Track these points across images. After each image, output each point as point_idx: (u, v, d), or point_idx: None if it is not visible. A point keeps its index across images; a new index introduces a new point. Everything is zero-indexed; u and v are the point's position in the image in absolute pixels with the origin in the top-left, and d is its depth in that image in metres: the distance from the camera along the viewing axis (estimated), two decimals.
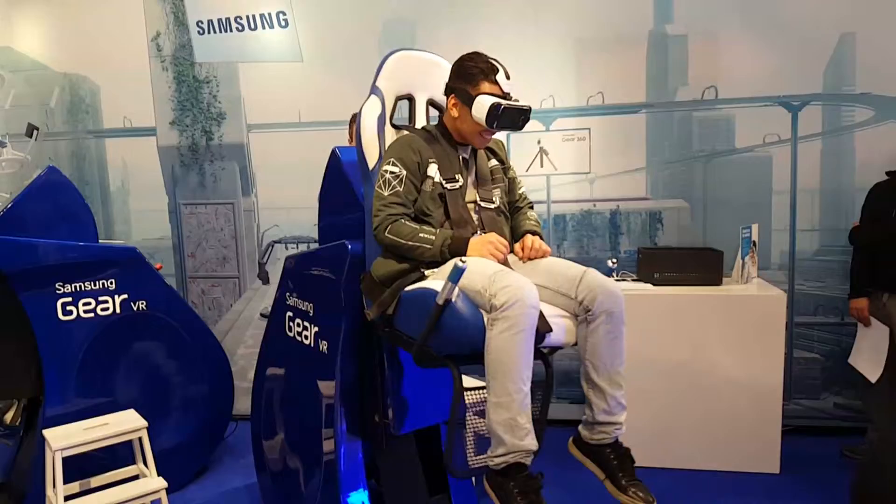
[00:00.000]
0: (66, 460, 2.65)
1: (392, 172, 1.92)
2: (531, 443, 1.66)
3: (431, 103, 2.23)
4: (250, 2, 4.11)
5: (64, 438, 2.70)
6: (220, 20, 4.13)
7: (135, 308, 3.19)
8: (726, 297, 3.37)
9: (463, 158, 2.05)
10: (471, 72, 1.94)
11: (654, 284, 3.49)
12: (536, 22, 3.84)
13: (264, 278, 4.38)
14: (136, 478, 2.95)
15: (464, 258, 1.66)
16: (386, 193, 1.91)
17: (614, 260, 1.91)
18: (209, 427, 3.51)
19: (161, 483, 2.79)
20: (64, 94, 4.44)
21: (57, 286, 2.99)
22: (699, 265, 3.48)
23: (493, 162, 2.12)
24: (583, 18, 3.83)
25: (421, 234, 1.85)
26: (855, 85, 3.64)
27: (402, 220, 1.88)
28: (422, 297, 1.79)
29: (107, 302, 3.11)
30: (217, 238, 4.39)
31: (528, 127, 4.03)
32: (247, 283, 4.41)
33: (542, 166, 3.94)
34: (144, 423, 2.86)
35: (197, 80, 4.23)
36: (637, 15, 3.79)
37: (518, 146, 3.92)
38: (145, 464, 2.89)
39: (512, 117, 1.92)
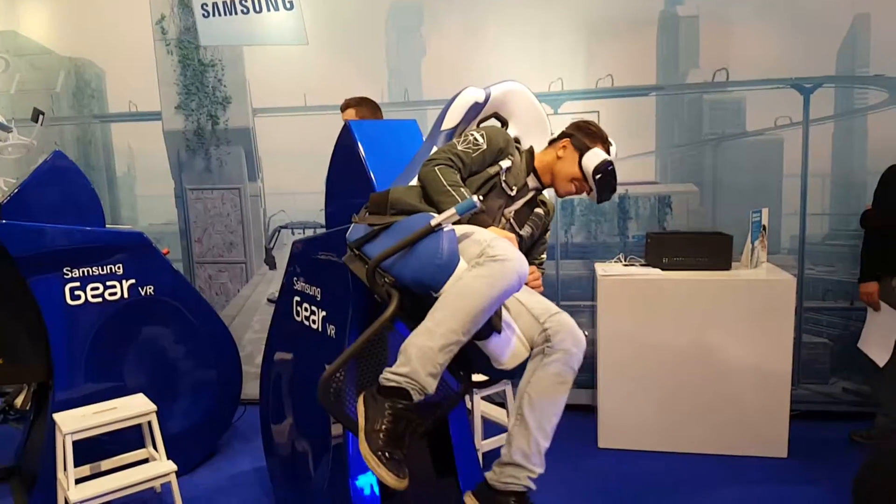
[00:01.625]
0: (76, 444, 2.68)
1: (476, 140, 1.99)
2: (431, 384, 1.60)
3: (516, 140, 2.25)
4: None
5: (74, 422, 2.73)
6: (224, 3, 4.09)
7: (142, 293, 3.19)
8: (735, 281, 3.35)
9: (526, 184, 2.10)
10: (593, 131, 2.11)
11: (663, 269, 3.47)
12: (545, 4, 3.79)
13: (271, 263, 4.37)
14: (145, 461, 2.98)
15: (481, 198, 1.65)
16: (459, 148, 1.97)
17: (588, 333, 1.94)
18: (218, 411, 3.52)
19: (170, 466, 2.82)
20: (69, 78, 4.42)
21: (65, 271, 3.00)
22: (708, 250, 3.46)
23: (540, 210, 2.17)
24: (593, 0, 3.77)
25: (461, 189, 1.85)
26: (869, 67, 3.58)
27: (455, 171, 1.92)
28: (413, 220, 1.75)
29: (114, 287, 3.12)
30: (223, 223, 4.38)
31: None
32: (254, 268, 4.41)
33: None
34: (153, 407, 2.88)
35: (202, 64, 4.20)
36: None
37: None
38: (154, 447, 2.92)
39: (610, 182, 2.04)
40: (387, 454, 1.53)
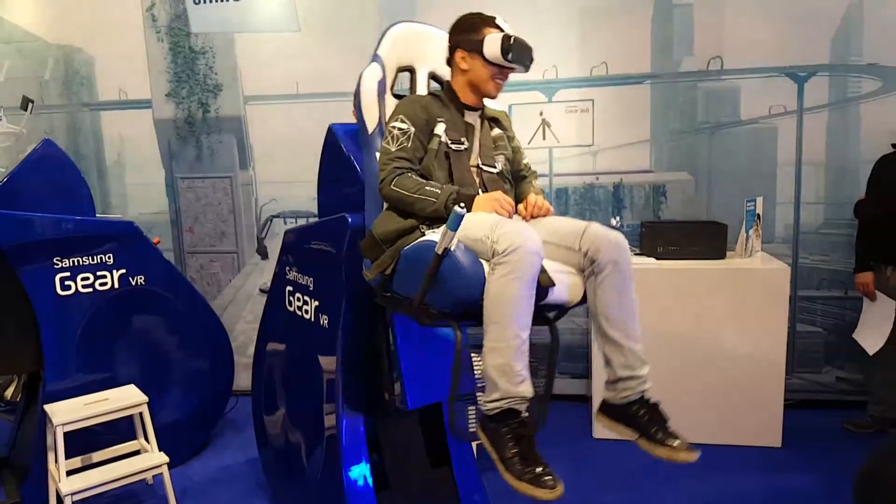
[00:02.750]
0: (67, 435, 2.66)
1: (400, 129, 1.92)
2: (526, 389, 1.64)
3: (433, 76, 2.21)
4: None
5: (65, 413, 2.71)
6: None
7: (133, 283, 3.16)
8: (730, 270, 3.34)
9: (468, 124, 2.03)
10: (473, 21, 2.00)
11: (658, 258, 3.46)
12: None
13: (263, 253, 4.35)
14: (137, 453, 2.97)
15: (462, 204, 1.63)
16: (393, 149, 1.90)
17: (617, 218, 1.96)
18: (210, 402, 3.51)
19: (162, 458, 2.80)
20: (58, 65, 4.36)
21: (55, 261, 2.97)
22: (703, 238, 3.45)
23: (497, 131, 2.12)
24: None
25: (427, 188, 1.83)
26: (862, 55, 3.57)
27: (408, 174, 1.87)
28: (421, 250, 1.76)
29: (105, 277, 3.09)
30: (215, 212, 4.34)
31: (529, 98, 3.98)
32: (245, 258, 4.38)
33: (544, 139, 3.88)
34: (145, 398, 2.86)
35: (193, 51, 4.15)
36: None
37: (520, 118, 3.86)
38: (146, 439, 2.90)
39: (522, 51, 1.94)
40: (530, 474, 1.58)
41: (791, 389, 3.61)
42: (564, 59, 3.81)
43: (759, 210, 3.46)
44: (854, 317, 3.52)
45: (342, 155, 2.47)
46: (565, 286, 1.77)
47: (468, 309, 1.70)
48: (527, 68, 1.99)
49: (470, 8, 2.07)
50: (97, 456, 2.97)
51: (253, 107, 4.19)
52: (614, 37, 3.76)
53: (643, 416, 1.80)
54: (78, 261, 3.01)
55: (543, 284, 1.68)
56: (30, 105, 3.52)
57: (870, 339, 3.32)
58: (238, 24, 4.08)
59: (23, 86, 4.24)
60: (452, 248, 1.63)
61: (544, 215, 1.97)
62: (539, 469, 1.58)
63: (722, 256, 3.43)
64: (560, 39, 3.80)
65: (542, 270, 1.67)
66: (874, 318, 3.33)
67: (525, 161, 2.19)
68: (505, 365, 1.61)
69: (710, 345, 3.35)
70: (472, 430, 1.83)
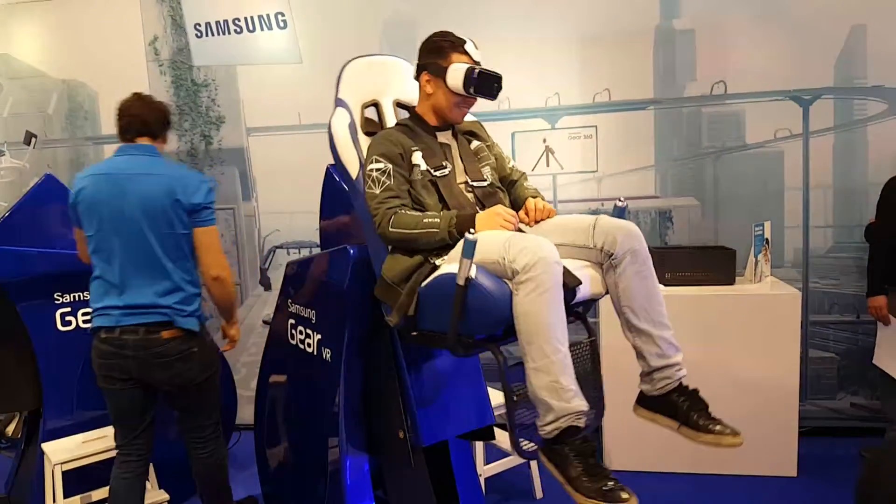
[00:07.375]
0: (66, 473, 2.61)
1: (378, 169, 1.88)
2: (580, 403, 1.58)
3: (399, 104, 2.19)
4: (248, 3, 4.05)
5: (63, 452, 2.67)
6: (218, 23, 4.08)
7: None
8: (739, 296, 3.29)
9: (443, 144, 2.01)
10: (440, 45, 1.97)
11: (666, 285, 3.41)
12: (540, 19, 3.78)
13: (266, 284, 4.32)
14: None
15: (472, 229, 1.59)
16: (378, 191, 1.87)
17: (622, 199, 1.95)
18: None
19: (163, 496, 2.76)
20: (62, 100, 4.39)
21: (55, 296, 2.94)
22: (711, 264, 3.41)
23: (476, 143, 2.10)
24: (587, 14, 3.76)
25: (425, 220, 1.80)
26: (866, 78, 3.56)
27: (402, 211, 1.84)
28: (441, 285, 1.73)
29: None
30: None
31: (532, 125, 3.98)
32: (248, 289, 4.35)
33: (548, 165, 3.87)
34: None
35: (195, 84, 4.17)
36: (643, 10, 3.72)
37: (523, 145, 3.85)
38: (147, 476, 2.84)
39: (487, 83, 1.92)
40: (601, 490, 1.52)
41: (805, 417, 3.53)
42: (567, 86, 3.81)
43: (767, 235, 3.42)
44: (867, 341, 3.45)
45: (342, 191, 2.46)
46: (588, 280, 1.76)
47: (507, 328, 1.67)
48: (493, 97, 1.97)
49: (470, 34, 2.04)
50: (97, 494, 2.90)
51: (255, 138, 4.20)
52: (616, 63, 3.76)
53: (683, 403, 1.76)
54: (79, 296, 2.98)
55: (571, 285, 1.66)
56: (33, 140, 3.53)
57: (893, 364, 3.25)
58: (240, 57, 4.11)
59: (27, 121, 4.26)
60: (474, 276, 1.60)
61: (548, 217, 1.94)
62: (610, 483, 1.51)
63: (731, 282, 3.39)
64: (562, 66, 3.80)
65: (567, 272, 1.65)
66: (893, 342, 3.26)
67: (511, 164, 2.15)
68: (553, 383, 1.56)
69: (721, 372, 3.28)
70: (530, 449, 1.75)
